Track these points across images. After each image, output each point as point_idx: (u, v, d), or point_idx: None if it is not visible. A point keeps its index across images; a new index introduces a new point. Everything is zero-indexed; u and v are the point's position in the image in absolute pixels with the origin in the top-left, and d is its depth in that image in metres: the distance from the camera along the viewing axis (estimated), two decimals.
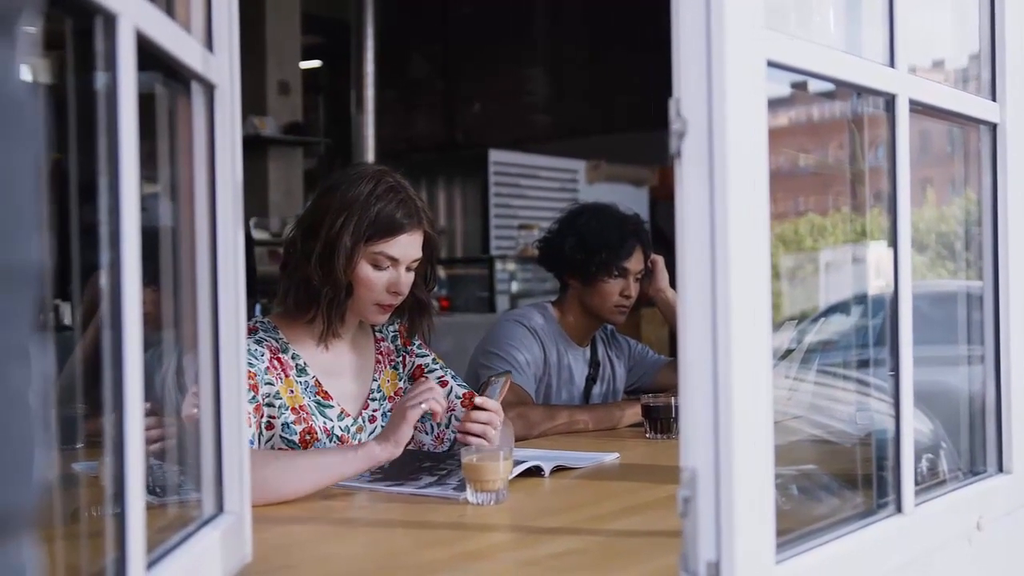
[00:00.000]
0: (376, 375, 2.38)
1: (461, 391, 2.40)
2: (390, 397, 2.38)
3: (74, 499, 1.42)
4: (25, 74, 0.59)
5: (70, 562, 1.13)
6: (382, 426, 2.31)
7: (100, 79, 1.00)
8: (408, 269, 2.25)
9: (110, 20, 0.99)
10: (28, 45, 0.60)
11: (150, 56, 1.10)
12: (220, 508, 1.37)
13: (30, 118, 0.57)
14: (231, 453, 1.38)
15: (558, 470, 2.20)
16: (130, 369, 1.01)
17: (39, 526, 0.62)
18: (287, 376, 2.21)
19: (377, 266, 2.21)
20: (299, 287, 2.22)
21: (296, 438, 2.18)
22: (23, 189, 0.56)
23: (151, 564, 1.08)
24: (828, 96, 1.72)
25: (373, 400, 2.36)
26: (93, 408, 1.23)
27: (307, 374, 2.25)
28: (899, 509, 1.52)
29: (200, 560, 1.24)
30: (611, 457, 2.37)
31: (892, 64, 1.52)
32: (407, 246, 2.23)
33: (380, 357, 2.40)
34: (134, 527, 1.00)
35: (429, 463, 2.16)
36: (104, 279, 1.00)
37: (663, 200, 8.25)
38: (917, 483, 1.55)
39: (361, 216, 2.17)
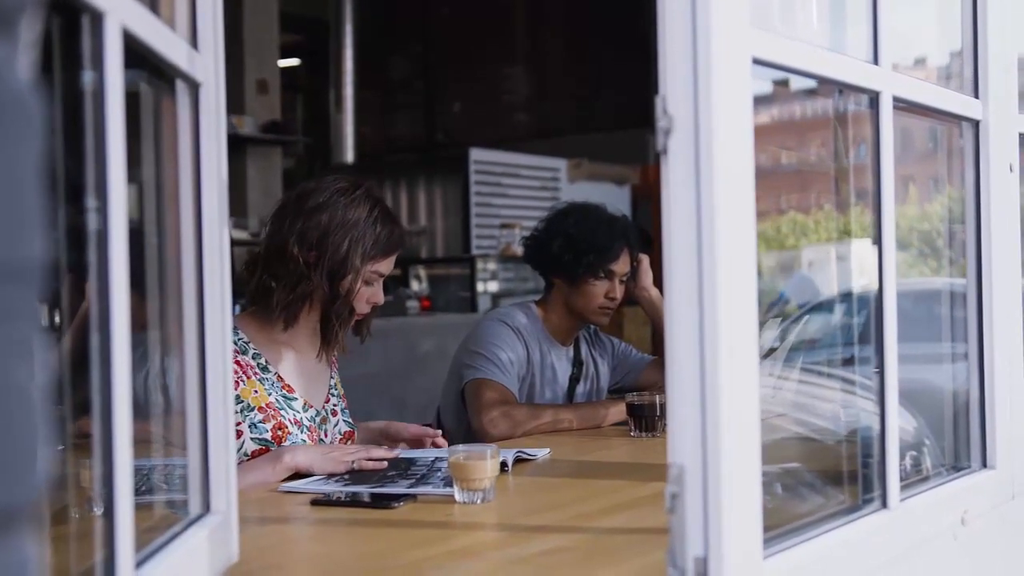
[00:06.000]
0: (333, 372, 2.47)
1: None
2: (342, 395, 2.48)
3: (56, 500, 1.41)
4: (27, 72, 0.59)
5: (56, 563, 1.12)
6: (344, 420, 2.44)
7: (86, 77, 1.00)
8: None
9: (97, 18, 0.98)
10: (30, 43, 0.60)
11: (135, 54, 1.09)
12: (207, 508, 1.37)
13: (33, 116, 0.58)
14: (217, 453, 1.38)
15: (518, 462, 2.24)
16: (118, 370, 1.00)
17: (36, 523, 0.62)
18: (249, 377, 2.25)
19: (368, 283, 2.31)
20: (301, 301, 2.27)
21: (268, 435, 2.21)
22: (27, 186, 0.56)
23: (139, 564, 1.08)
24: (809, 94, 1.73)
25: (333, 395, 2.44)
26: (74, 410, 1.22)
27: (269, 371, 2.30)
28: (884, 504, 1.52)
29: (187, 559, 1.24)
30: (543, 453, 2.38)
31: (876, 61, 1.53)
32: (393, 262, 2.36)
33: (333, 358, 2.49)
34: (123, 527, 1.00)
35: (396, 470, 2.13)
36: (91, 280, 0.99)
37: (645, 199, 8.26)
38: (902, 479, 1.56)
39: (366, 238, 2.26)
